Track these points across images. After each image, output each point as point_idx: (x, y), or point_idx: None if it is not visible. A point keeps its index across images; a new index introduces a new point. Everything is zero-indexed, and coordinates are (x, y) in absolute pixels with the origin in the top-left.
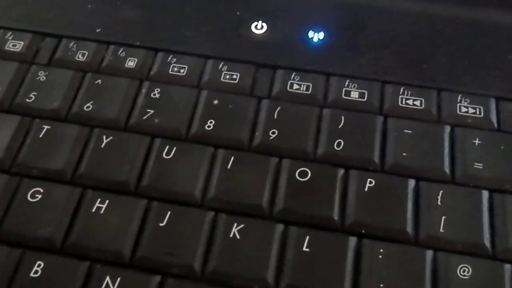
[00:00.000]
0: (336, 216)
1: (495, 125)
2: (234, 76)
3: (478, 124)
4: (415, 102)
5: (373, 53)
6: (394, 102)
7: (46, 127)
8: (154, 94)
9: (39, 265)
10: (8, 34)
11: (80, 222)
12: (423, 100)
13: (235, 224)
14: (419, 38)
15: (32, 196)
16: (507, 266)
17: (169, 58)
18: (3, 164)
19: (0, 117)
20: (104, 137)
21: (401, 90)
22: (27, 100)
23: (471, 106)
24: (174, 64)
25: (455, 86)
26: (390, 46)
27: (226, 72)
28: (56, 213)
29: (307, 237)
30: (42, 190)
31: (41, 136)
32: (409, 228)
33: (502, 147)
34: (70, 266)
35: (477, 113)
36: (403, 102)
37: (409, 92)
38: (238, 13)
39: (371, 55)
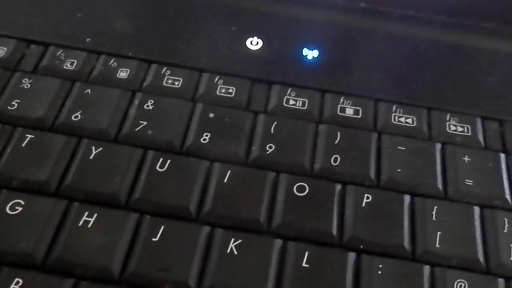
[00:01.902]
0: (334, 232)
1: (482, 143)
2: (230, 90)
3: (467, 142)
4: (407, 120)
5: (364, 71)
6: (387, 119)
7: (29, 136)
8: (147, 106)
9: (17, 283)
10: None
11: (64, 236)
12: (414, 118)
13: (232, 240)
14: (407, 59)
15: (12, 209)
16: (501, 280)
17: (163, 70)
18: None
19: None
20: (93, 148)
21: (394, 108)
22: (9, 107)
23: (459, 124)
24: (169, 76)
25: (443, 105)
26: (381, 66)
27: (222, 86)
28: (38, 226)
29: (306, 252)
30: (23, 202)
31: (23, 145)
32: (406, 244)
33: (489, 165)
34: (52, 283)
35: (465, 131)
36: (396, 120)
37: (401, 110)
38: (233, 28)
39: (363, 74)
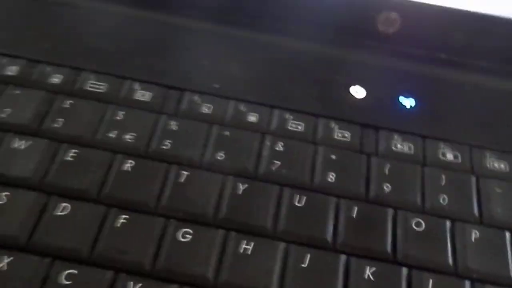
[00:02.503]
0: (451, 262)
1: None
2: (346, 135)
3: None
4: (500, 165)
5: (456, 119)
6: (483, 164)
7: (185, 173)
8: (278, 148)
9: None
10: (136, 85)
11: None
12: (507, 163)
13: (368, 268)
14: (489, 107)
15: (183, 237)
16: None
17: (286, 115)
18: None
19: (140, 162)
20: (240, 184)
21: (487, 153)
22: (163, 147)
23: None
24: (292, 121)
25: None
26: (469, 114)
27: (337, 130)
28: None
29: None
30: (191, 231)
31: (182, 180)
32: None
33: None
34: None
35: None
36: (490, 164)
37: (494, 155)
38: (337, 77)
39: (454, 122)
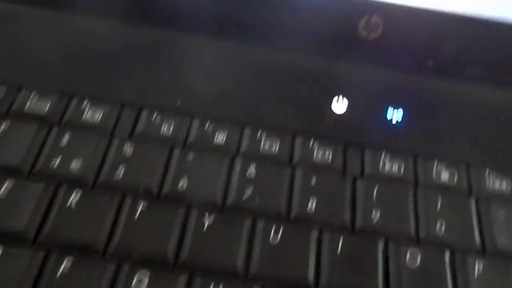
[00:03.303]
0: None
1: None
2: (327, 155)
3: None
4: (501, 186)
5: (449, 136)
6: (483, 185)
7: (141, 205)
8: (249, 173)
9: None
10: (84, 103)
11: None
12: (510, 183)
13: None
14: (486, 124)
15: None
16: None
17: (258, 134)
18: None
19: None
20: (205, 217)
21: (487, 173)
22: (113, 177)
23: None
24: (264, 140)
25: None
26: (463, 130)
27: (317, 150)
28: None
29: None
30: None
31: (137, 216)
32: None
33: None
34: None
35: None
36: (491, 186)
37: (495, 175)
38: (316, 90)
39: (448, 138)
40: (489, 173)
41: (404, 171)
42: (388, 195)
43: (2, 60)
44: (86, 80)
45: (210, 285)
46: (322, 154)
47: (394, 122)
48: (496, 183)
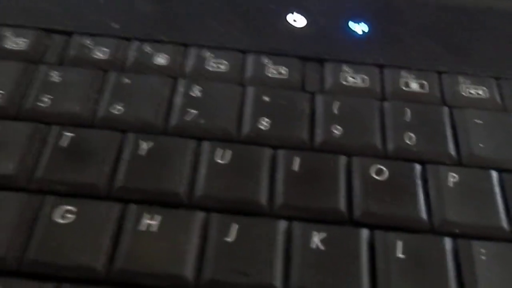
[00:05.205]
0: (424, 216)
1: None
2: (282, 71)
3: None
4: (477, 92)
5: (418, 43)
6: (456, 92)
7: (69, 134)
8: (194, 93)
9: None
10: (9, 32)
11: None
12: (485, 89)
13: (314, 233)
14: (458, 28)
15: (63, 217)
16: None
17: (205, 53)
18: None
19: (9, 126)
20: (144, 143)
21: (459, 79)
22: (40, 104)
23: None
24: (212, 60)
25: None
26: (433, 36)
27: (271, 67)
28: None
29: (399, 242)
30: (75, 209)
31: (64, 146)
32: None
33: None
34: None
35: None
36: (465, 92)
37: (468, 81)
38: (271, 6)
39: (417, 46)
40: (463, 80)
41: (370, 83)
42: (351, 108)
43: None
44: (9, 7)
45: (146, 214)
46: (276, 70)
47: (359, 33)
48: (470, 89)
